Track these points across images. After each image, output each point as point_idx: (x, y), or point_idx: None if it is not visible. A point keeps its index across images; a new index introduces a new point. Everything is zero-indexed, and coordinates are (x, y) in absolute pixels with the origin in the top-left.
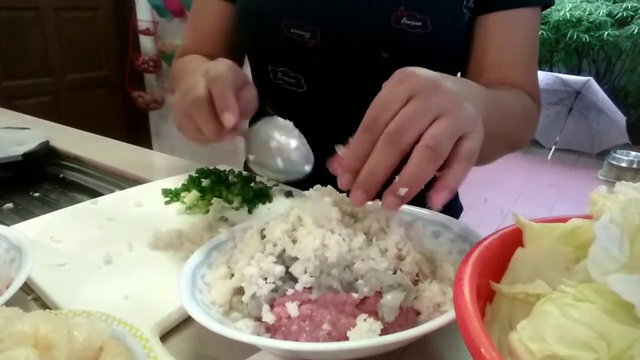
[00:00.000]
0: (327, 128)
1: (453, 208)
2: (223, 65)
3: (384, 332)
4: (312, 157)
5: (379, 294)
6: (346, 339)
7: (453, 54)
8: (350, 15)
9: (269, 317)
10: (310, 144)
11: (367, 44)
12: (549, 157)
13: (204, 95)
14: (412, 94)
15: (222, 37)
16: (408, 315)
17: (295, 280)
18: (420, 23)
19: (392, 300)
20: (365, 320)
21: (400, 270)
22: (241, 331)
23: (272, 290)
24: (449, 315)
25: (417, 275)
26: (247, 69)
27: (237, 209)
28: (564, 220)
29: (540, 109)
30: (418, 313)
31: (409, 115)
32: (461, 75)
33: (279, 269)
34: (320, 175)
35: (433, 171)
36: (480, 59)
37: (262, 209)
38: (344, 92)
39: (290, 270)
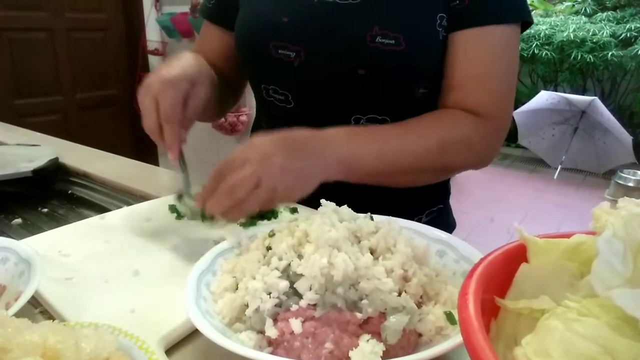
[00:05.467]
0: None
1: (445, 224)
2: (172, 84)
3: (385, 353)
4: None
5: (383, 315)
6: (348, 359)
7: (428, 72)
8: (330, 36)
9: (271, 331)
10: None
11: (345, 62)
12: (555, 176)
13: (155, 126)
14: (247, 160)
15: (221, 62)
16: (410, 337)
17: (299, 296)
18: (393, 41)
19: (396, 323)
20: (368, 341)
21: (405, 292)
22: (244, 344)
23: (275, 305)
24: (452, 342)
25: (421, 297)
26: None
27: (243, 224)
28: (567, 236)
29: (500, 128)
30: (420, 335)
31: (238, 178)
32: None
33: (284, 284)
34: (321, 189)
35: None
36: (449, 78)
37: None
38: (326, 106)
39: (295, 286)
